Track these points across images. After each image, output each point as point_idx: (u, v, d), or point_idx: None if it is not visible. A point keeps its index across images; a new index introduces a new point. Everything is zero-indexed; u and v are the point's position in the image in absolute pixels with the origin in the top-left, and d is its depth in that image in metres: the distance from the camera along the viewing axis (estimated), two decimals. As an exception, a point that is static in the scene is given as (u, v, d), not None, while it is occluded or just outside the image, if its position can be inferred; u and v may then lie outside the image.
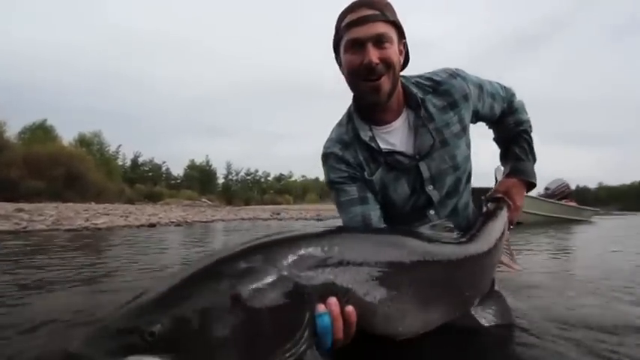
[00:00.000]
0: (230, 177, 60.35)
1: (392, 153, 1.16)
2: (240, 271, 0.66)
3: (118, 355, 0.57)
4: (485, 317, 1.06)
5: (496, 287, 1.23)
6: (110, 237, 5.92)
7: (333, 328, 0.71)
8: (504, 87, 1.34)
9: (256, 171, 64.33)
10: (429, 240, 0.99)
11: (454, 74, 1.21)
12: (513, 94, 1.35)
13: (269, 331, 0.64)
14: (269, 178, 65.17)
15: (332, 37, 1.15)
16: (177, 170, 54.15)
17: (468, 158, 1.23)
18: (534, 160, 1.35)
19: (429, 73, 1.23)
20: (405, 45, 1.16)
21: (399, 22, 1.11)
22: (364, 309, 0.76)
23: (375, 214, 1.15)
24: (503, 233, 1.25)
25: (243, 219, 11.17)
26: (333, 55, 1.18)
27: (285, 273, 0.69)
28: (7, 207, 9.24)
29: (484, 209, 1.30)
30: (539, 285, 1.99)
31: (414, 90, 1.17)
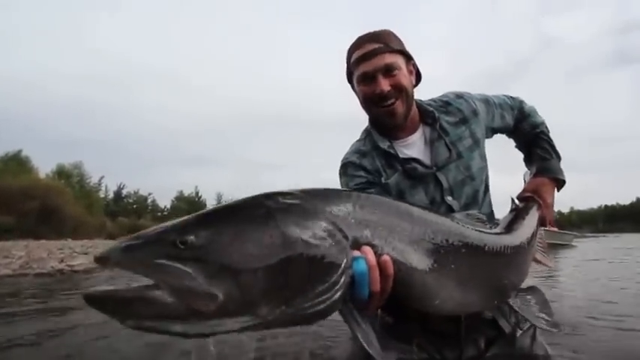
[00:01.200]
0: (220, 208, 58.78)
1: (409, 160, 1.19)
2: (281, 204, 0.66)
3: (147, 257, 0.57)
4: (526, 309, 1.03)
5: None
6: (89, 282, 4.95)
7: (370, 277, 0.70)
8: (511, 97, 1.40)
9: (247, 201, 63.32)
10: (470, 225, 0.99)
11: (460, 95, 1.30)
12: (522, 101, 1.40)
13: (303, 268, 0.62)
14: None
15: (344, 71, 1.25)
16: (165, 202, 52.36)
17: (483, 170, 1.25)
18: (559, 157, 1.35)
19: (438, 96, 1.32)
20: (414, 65, 1.22)
21: (404, 49, 1.17)
22: (402, 270, 0.75)
23: None
24: (536, 230, 1.24)
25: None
26: (349, 86, 1.26)
27: (326, 215, 0.69)
28: (-33, 247, 8.06)
29: (513, 207, 1.29)
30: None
31: (429, 108, 1.24)
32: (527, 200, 1.29)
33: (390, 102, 1.13)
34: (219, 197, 56.85)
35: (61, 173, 26.32)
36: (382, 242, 0.74)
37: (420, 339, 1.15)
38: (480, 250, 0.95)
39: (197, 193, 53.33)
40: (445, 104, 1.27)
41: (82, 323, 2.49)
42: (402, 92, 1.14)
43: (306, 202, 0.69)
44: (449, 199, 1.18)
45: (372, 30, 1.19)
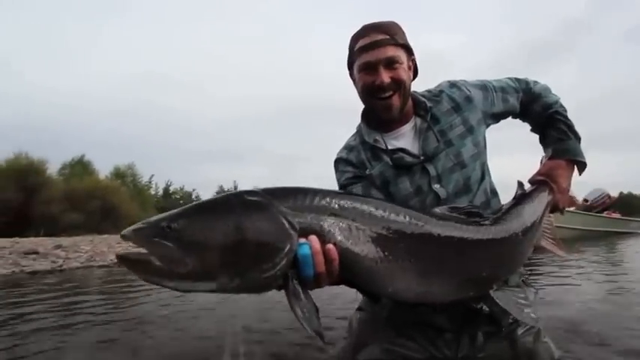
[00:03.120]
0: (259, 200, 60.07)
1: (396, 150, 1.20)
2: (242, 200, 0.84)
3: (147, 236, 0.79)
4: (507, 301, 1.02)
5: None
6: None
7: (314, 261, 0.80)
8: (516, 79, 1.33)
9: (283, 193, 63.97)
10: (440, 215, 1.01)
11: (454, 83, 1.28)
12: (529, 82, 1.32)
13: (252, 249, 0.79)
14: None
15: (346, 57, 1.24)
16: (208, 196, 54.32)
17: (477, 157, 1.22)
18: (577, 138, 1.26)
19: (435, 86, 1.31)
20: (414, 60, 1.23)
21: (407, 44, 1.19)
22: (348, 257, 0.85)
23: None
24: (541, 216, 1.18)
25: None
26: (348, 72, 1.26)
27: (278, 209, 0.83)
28: (47, 243, 9.61)
29: (519, 192, 1.22)
30: (584, 325, 1.86)
31: (422, 99, 1.24)
32: (539, 184, 1.23)
33: (387, 94, 1.14)
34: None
35: (117, 174, 28.95)
36: (329, 231, 0.86)
37: (414, 332, 1.16)
38: (448, 241, 0.96)
39: (235, 187, 55.16)
40: (439, 94, 1.26)
41: (131, 305, 3.15)
42: (400, 86, 1.15)
43: (263, 199, 0.84)
44: (436, 186, 1.17)
45: (378, 20, 1.20)
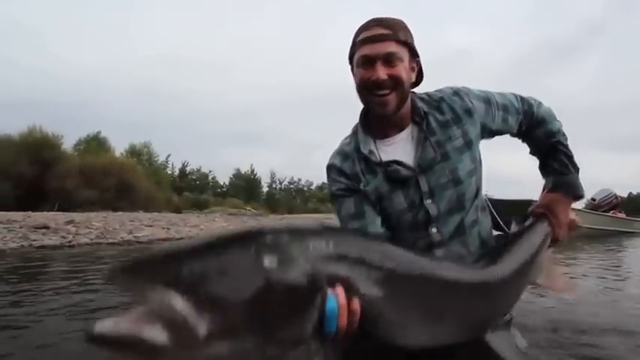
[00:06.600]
0: (274, 185, 59.92)
1: (391, 163, 1.16)
2: (268, 245, 0.71)
3: (150, 281, 0.60)
4: (499, 345, 1.04)
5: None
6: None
7: (339, 313, 0.74)
8: (521, 98, 1.28)
9: (299, 180, 61.98)
10: (447, 261, 1.07)
11: (457, 91, 1.22)
12: (532, 105, 1.28)
13: (281, 303, 0.67)
14: (312, 187, 63.15)
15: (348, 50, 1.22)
16: (224, 179, 54.57)
17: (472, 173, 1.19)
18: (577, 170, 1.28)
19: (435, 90, 1.25)
20: (418, 63, 1.18)
21: (411, 43, 1.14)
22: (369, 307, 0.80)
23: (372, 228, 1.16)
24: (541, 251, 1.21)
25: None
26: (349, 66, 1.21)
27: (307, 256, 0.74)
28: (59, 218, 9.48)
29: (516, 228, 1.27)
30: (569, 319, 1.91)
31: (420, 104, 1.19)
32: (539, 217, 1.25)
33: (384, 92, 1.09)
34: (272, 175, 58.85)
35: (133, 152, 29.11)
36: (354, 280, 0.79)
37: None
38: (456, 286, 0.96)
39: (252, 171, 55.48)
40: (439, 100, 1.20)
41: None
42: (398, 85, 1.09)
43: (291, 243, 0.73)
44: (427, 202, 1.15)
45: (392, 15, 1.16)
